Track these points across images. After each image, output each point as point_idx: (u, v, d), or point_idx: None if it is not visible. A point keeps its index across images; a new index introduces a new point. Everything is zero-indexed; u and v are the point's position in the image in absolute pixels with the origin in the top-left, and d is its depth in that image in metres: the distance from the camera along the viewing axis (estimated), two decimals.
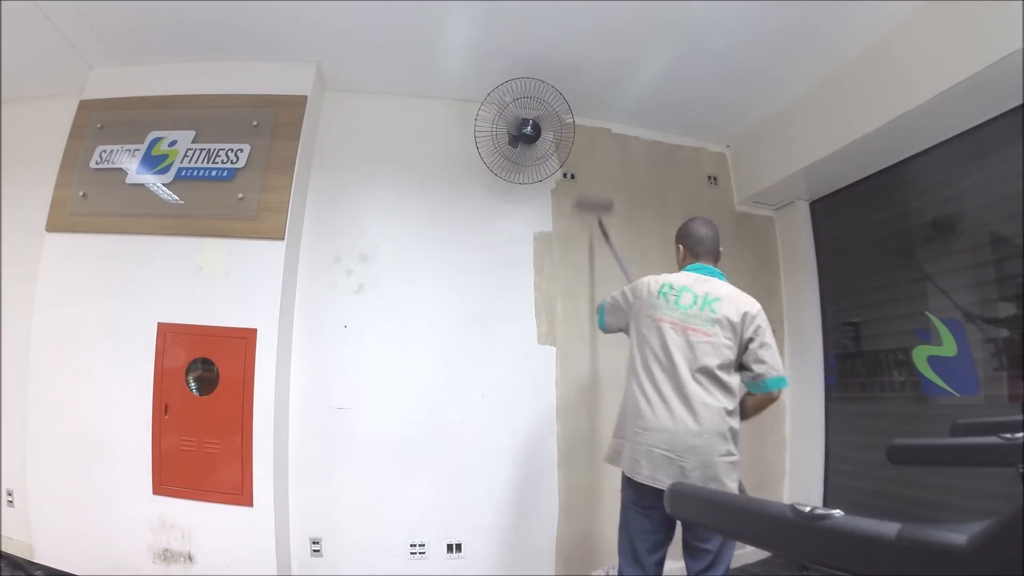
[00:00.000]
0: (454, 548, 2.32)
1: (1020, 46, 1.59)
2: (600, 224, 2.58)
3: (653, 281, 1.68)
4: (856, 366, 2.65)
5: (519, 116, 2.37)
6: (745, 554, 2.63)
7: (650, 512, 1.56)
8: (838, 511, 0.48)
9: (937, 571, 0.40)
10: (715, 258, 1.72)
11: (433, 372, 2.42)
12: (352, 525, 2.27)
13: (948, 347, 2.18)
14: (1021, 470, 0.87)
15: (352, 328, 2.40)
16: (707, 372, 1.52)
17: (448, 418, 2.39)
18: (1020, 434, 0.88)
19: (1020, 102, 1.85)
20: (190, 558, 2.07)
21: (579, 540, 2.42)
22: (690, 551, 1.56)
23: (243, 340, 2.16)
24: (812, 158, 2.46)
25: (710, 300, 1.56)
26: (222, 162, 2.30)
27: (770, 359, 1.53)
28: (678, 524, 1.57)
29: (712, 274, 1.65)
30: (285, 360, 2.26)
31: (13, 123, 2.56)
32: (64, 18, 2.16)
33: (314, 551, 2.25)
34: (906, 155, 2.34)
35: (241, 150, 2.31)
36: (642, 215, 2.79)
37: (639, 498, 1.58)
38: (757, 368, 1.53)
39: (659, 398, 1.54)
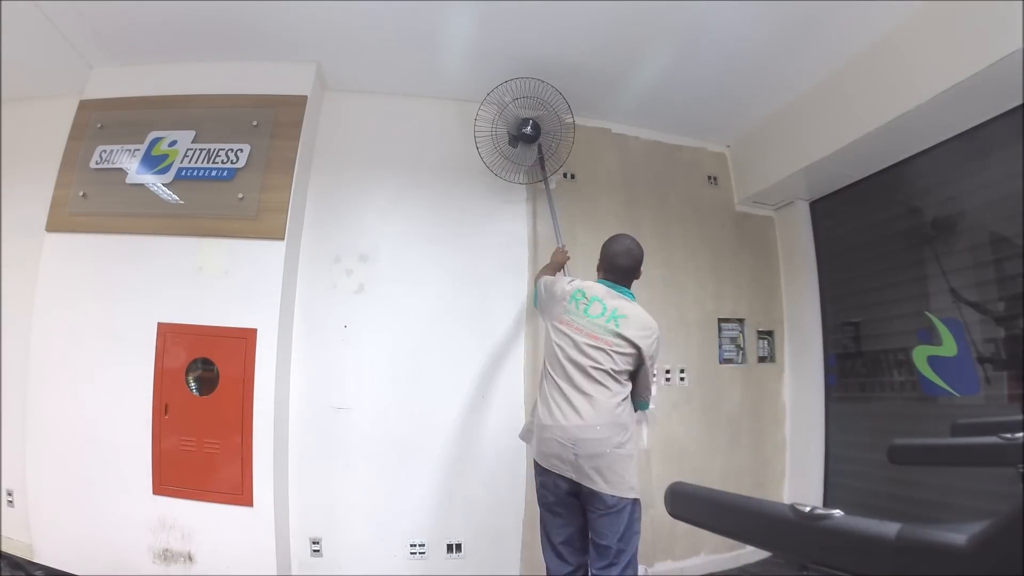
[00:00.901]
0: (454, 548, 2.32)
1: (1020, 46, 1.59)
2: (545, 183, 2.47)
3: (568, 285, 1.84)
4: (856, 366, 2.65)
5: (519, 116, 2.37)
6: (745, 554, 2.62)
7: (559, 503, 1.71)
8: (838, 511, 0.47)
9: (937, 571, 0.40)
10: (629, 281, 1.85)
11: (433, 372, 2.42)
12: (352, 525, 2.27)
13: (948, 347, 2.18)
14: (1021, 470, 0.87)
15: (352, 328, 2.40)
16: (603, 373, 1.69)
17: (448, 418, 2.39)
18: (1020, 434, 0.88)
19: (1020, 102, 1.85)
20: (190, 558, 2.07)
21: None
22: (594, 547, 1.65)
23: (243, 340, 2.16)
24: (812, 158, 2.46)
25: (616, 316, 1.73)
26: (222, 162, 2.30)
27: (651, 387, 1.82)
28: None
29: (623, 293, 1.81)
30: (285, 360, 2.26)
31: (13, 123, 2.56)
32: (64, 18, 2.16)
33: (314, 551, 2.25)
34: (906, 155, 2.34)
35: (241, 150, 2.31)
36: (642, 215, 2.79)
37: (541, 484, 1.74)
38: (643, 393, 1.79)
39: (563, 399, 1.70)
